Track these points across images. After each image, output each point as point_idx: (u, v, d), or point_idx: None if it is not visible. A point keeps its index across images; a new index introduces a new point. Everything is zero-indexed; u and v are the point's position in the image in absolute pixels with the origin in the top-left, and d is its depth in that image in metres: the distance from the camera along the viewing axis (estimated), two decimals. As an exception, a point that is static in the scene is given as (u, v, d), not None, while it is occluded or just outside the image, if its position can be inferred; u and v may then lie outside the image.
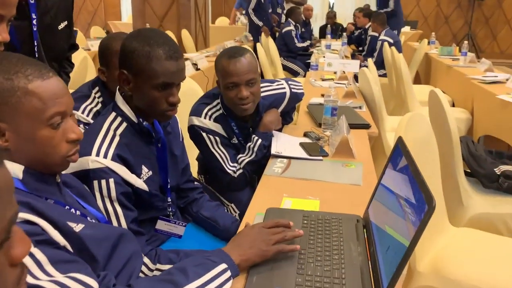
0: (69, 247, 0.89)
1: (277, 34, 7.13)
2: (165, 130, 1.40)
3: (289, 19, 6.71)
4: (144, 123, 1.29)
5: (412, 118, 1.62)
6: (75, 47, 1.67)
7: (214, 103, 1.85)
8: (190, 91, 2.33)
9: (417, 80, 6.17)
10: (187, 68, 3.72)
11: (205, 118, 1.81)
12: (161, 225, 1.42)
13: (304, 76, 5.32)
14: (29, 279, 0.74)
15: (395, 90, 4.60)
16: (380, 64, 5.32)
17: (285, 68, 6.22)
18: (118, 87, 1.32)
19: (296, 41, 6.49)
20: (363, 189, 1.50)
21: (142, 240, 1.25)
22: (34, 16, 1.35)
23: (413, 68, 5.97)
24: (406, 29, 8.82)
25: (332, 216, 1.27)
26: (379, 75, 4.72)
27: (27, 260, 0.76)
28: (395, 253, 0.89)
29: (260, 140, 1.81)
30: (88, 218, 1.02)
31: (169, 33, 6.02)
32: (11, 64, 0.87)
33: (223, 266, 0.98)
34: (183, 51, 5.97)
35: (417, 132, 1.62)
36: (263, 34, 6.77)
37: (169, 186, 1.40)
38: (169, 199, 1.41)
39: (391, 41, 5.44)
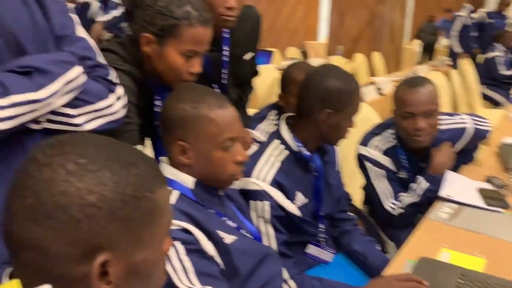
0: (217, 259, 1.00)
1: (477, 57, 6.49)
2: (323, 159, 1.44)
3: (497, 43, 6.02)
4: (303, 153, 1.36)
5: None
6: (256, 74, 1.85)
7: (386, 134, 1.82)
8: (364, 118, 2.32)
9: None
10: (370, 93, 3.69)
11: (373, 149, 1.79)
12: (311, 249, 1.46)
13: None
14: (175, 281, 0.86)
15: None
16: None
17: (485, 97, 5.61)
18: (285, 116, 1.42)
19: (502, 68, 5.78)
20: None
21: (288, 263, 1.30)
22: (226, 48, 1.55)
23: None
24: None
25: (498, 281, 1.11)
26: None
27: (177, 265, 0.89)
28: None
29: (427, 184, 1.69)
30: (243, 231, 1.13)
31: (359, 56, 6.06)
32: (198, 95, 1.04)
33: None
34: (371, 74, 5.93)
35: None
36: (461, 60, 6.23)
37: (322, 214, 1.43)
38: (321, 226, 1.44)
39: None
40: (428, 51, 9.21)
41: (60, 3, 0.94)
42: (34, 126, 0.83)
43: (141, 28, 1.16)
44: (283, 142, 1.38)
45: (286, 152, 1.37)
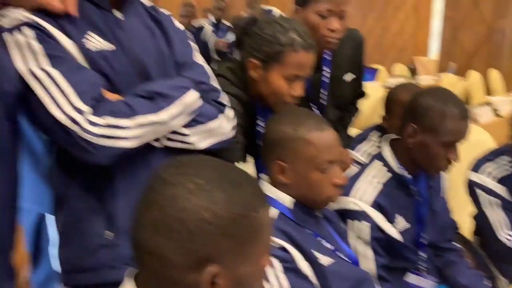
0: (313, 279, 1.02)
1: None
2: (427, 184, 1.39)
3: None
4: (406, 176, 1.32)
5: None
6: (361, 95, 1.84)
7: (501, 162, 1.69)
8: (476, 142, 2.17)
9: None
10: (485, 114, 3.43)
11: (486, 176, 1.67)
12: (411, 277, 1.40)
13: None
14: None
15: None
16: None
17: None
18: (388, 139, 1.40)
19: None
20: None
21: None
22: (326, 69, 1.58)
23: None
24: None
25: None
26: None
27: (274, 282, 0.93)
28: None
29: None
30: (340, 254, 1.14)
31: (474, 74, 5.66)
32: (298, 118, 1.09)
33: None
34: (487, 94, 5.49)
35: None
36: None
37: (424, 241, 1.37)
38: (422, 254, 1.38)
39: None
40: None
41: (181, 33, 1.06)
42: (156, 144, 0.94)
43: (248, 54, 1.24)
44: (386, 164, 1.36)
45: (389, 175, 1.35)
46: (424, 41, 11.45)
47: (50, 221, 1.29)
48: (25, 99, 0.81)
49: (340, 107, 1.67)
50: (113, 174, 0.91)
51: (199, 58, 1.07)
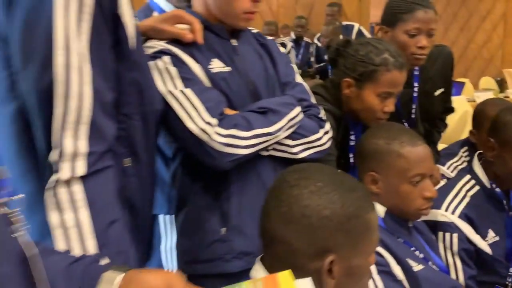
0: (405, 283, 1.09)
1: None
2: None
3: None
4: (496, 189, 1.35)
5: None
6: (450, 110, 1.87)
7: None
8: None
9: None
10: None
11: None
12: (500, 293, 1.41)
13: None
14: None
15: None
16: None
17: None
18: (478, 152, 1.43)
19: None
20: None
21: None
22: (416, 84, 1.64)
23: None
24: None
25: None
26: None
27: (370, 284, 1.01)
28: None
29: None
30: (430, 263, 1.20)
31: None
32: (392, 133, 1.17)
33: None
34: None
35: None
36: None
37: (516, 256, 1.38)
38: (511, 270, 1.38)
39: None
40: None
41: (283, 56, 1.20)
42: (264, 153, 1.08)
43: (342, 73, 1.35)
44: (475, 177, 1.40)
45: (477, 188, 1.38)
46: (514, 51, 10.80)
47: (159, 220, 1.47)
48: (165, 115, 0.98)
49: (429, 120, 1.72)
50: (229, 178, 1.06)
51: (299, 78, 1.20)
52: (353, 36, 4.60)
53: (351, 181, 0.76)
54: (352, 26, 4.49)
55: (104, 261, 0.69)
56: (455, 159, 1.87)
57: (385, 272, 1.06)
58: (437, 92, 1.71)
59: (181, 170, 1.12)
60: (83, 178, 0.71)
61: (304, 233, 0.71)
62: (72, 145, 0.70)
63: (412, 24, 1.47)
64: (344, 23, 4.49)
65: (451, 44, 11.21)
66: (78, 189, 0.70)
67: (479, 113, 1.82)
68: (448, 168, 1.84)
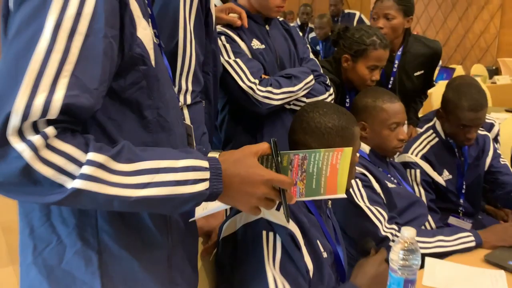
0: (382, 195, 1.58)
1: None
2: (470, 148, 1.90)
3: None
4: (450, 141, 1.86)
5: None
6: (431, 86, 2.37)
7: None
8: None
9: None
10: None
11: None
12: (452, 220, 1.92)
13: None
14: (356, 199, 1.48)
15: None
16: None
17: None
18: (435, 118, 1.94)
19: None
20: None
21: (435, 217, 1.80)
22: (396, 62, 2.13)
23: None
24: None
25: None
26: None
27: (357, 192, 1.51)
28: None
29: None
30: (401, 186, 1.70)
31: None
32: (376, 94, 1.65)
33: (469, 233, 1.47)
34: None
35: None
36: None
37: (463, 191, 1.89)
38: (461, 201, 1.90)
39: None
40: None
41: (301, 38, 1.70)
42: (287, 106, 1.57)
43: (342, 51, 1.85)
44: (435, 132, 1.90)
45: (437, 139, 1.89)
46: (510, 41, 11.19)
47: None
48: (222, 77, 1.46)
49: (407, 92, 2.20)
50: (263, 123, 1.56)
51: (312, 55, 1.70)
52: (354, 22, 5.06)
53: (343, 109, 1.24)
54: (354, 14, 4.94)
55: None
56: (430, 123, 2.38)
57: (368, 186, 1.54)
58: (417, 73, 2.21)
59: (228, 117, 1.62)
60: (188, 106, 1.20)
61: (317, 137, 1.18)
62: (185, 85, 1.18)
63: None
64: (346, 11, 4.94)
65: (450, 33, 11.61)
66: (185, 112, 1.19)
67: (445, 99, 2.32)
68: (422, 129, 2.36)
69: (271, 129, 1.57)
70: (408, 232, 1.02)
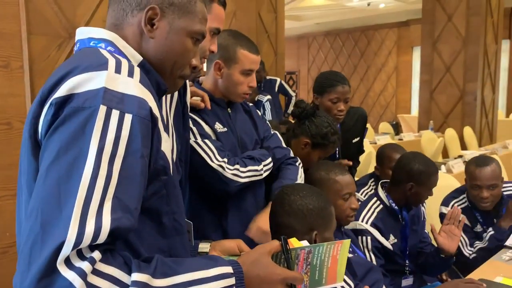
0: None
1: None
2: (410, 213, 2.07)
3: None
4: (394, 207, 2.01)
5: None
6: (362, 152, 2.59)
7: (461, 197, 2.39)
8: (446, 187, 2.86)
9: None
10: (457, 166, 4.14)
11: (451, 208, 2.35)
12: (403, 282, 2.05)
13: None
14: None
15: None
16: None
17: None
18: (380, 182, 2.10)
19: None
20: None
21: (386, 280, 1.90)
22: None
23: None
24: None
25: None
26: None
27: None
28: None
29: (492, 232, 2.20)
30: (356, 254, 1.78)
31: (450, 130, 6.48)
32: (328, 167, 1.76)
33: None
34: (463, 148, 6.29)
35: None
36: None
37: (407, 252, 2.03)
38: (407, 261, 2.03)
39: None
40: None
41: (260, 117, 1.77)
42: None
43: (304, 132, 1.93)
44: (379, 199, 2.05)
45: (381, 206, 2.03)
46: (406, 99, 12.45)
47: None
48: (191, 158, 1.47)
49: (348, 159, 2.37)
50: (227, 205, 1.58)
51: (272, 130, 1.77)
52: (276, 88, 5.35)
53: (319, 190, 1.32)
54: (275, 80, 5.24)
55: None
56: (366, 187, 2.56)
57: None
58: (355, 140, 2.40)
59: (193, 196, 1.61)
60: None
61: (300, 219, 1.24)
62: None
63: (334, 95, 2.14)
64: (268, 77, 5.22)
65: (353, 92, 12.64)
66: None
67: (381, 154, 2.53)
68: (361, 194, 2.52)
69: (235, 210, 1.60)
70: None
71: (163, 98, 1.09)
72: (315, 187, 1.72)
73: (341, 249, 0.94)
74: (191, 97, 1.57)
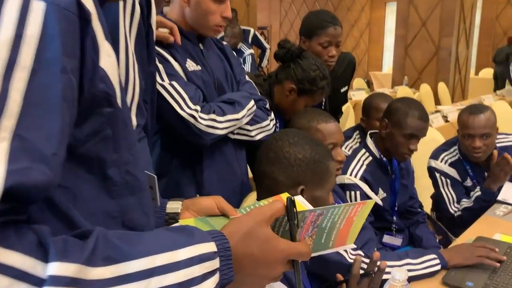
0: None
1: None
2: (399, 166, 1.90)
3: None
4: (383, 159, 1.83)
5: None
6: (345, 102, 2.37)
7: (452, 150, 2.23)
8: (432, 141, 2.72)
9: None
10: (436, 120, 4.05)
11: (441, 161, 2.20)
12: (386, 238, 1.90)
13: None
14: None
15: None
16: None
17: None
18: (369, 132, 1.90)
19: None
20: None
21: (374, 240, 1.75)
22: None
23: None
24: None
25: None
26: None
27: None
28: None
29: (479, 193, 2.05)
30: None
31: (425, 86, 6.39)
32: (311, 114, 1.53)
33: (434, 256, 1.40)
34: (437, 104, 6.23)
35: None
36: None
37: (396, 208, 1.87)
38: (394, 218, 1.88)
39: None
40: (501, 80, 8.96)
41: (236, 58, 1.51)
42: (231, 135, 1.38)
43: (289, 77, 1.67)
44: (368, 150, 1.86)
45: (370, 158, 1.85)
46: (378, 57, 12.34)
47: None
48: (158, 104, 1.22)
49: (336, 109, 2.17)
50: (202, 156, 1.35)
51: (247, 77, 1.52)
52: (250, 39, 5.04)
53: (317, 141, 1.10)
54: (249, 31, 4.93)
55: None
56: (351, 140, 2.37)
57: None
58: (343, 89, 2.18)
59: (159, 151, 1.37)
60: None
61: (284, 169, 1.03)
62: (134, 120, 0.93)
63: (324, 37, 1.89)
64: (242, 27, 4.90)
65: (326, 49, 12.41)
66: None
67: (367, 105, 2.33)
68: (345, 148, 2.33)
69: (210, 163, 1.37)
70: (400, 274, 0.96)
71: (121, 12, 0.82)
72: None
73: (361, 211, 0.75)
74: (157, 28, 1.29)
